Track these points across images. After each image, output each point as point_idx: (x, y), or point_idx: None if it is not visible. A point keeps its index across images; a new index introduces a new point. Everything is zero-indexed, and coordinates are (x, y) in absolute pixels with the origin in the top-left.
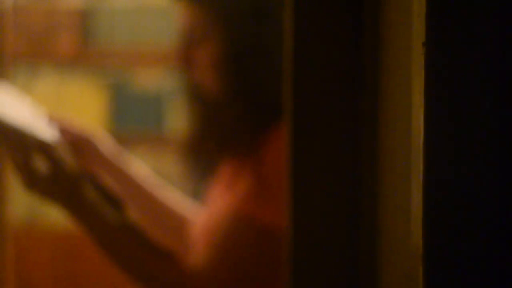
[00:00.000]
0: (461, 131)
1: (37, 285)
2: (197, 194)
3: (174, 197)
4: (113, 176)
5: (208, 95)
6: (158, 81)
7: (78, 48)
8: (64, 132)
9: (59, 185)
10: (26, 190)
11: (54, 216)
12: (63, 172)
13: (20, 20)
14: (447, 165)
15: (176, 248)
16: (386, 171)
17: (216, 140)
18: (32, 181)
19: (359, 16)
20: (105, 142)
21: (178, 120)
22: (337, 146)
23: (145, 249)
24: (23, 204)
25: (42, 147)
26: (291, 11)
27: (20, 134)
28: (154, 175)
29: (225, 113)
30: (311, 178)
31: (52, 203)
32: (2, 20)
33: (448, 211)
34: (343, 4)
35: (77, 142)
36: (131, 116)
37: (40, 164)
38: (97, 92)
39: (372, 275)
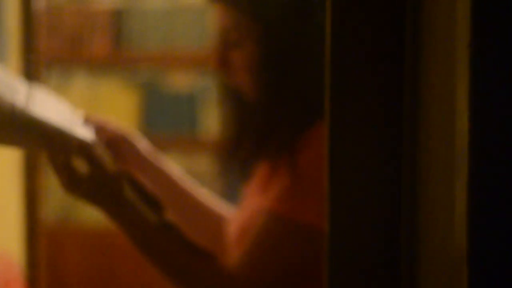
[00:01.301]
0: (506, 133)
1: (69, 283)
2: (231, 195)
3: (210, 197)
4: (151, 175)
5: (245, 96)
6: (192, 82)
7: (111, 50)
8: (101, 132)
9: (99, 186)
10: (66, 192)
11: (86, 215)
12: (102, 173)
13: (53, 21)
14: (492, 167)
15: (214, 248)
16: (427, 172)
17: (253, 141)
18: (72, 183)
19: (400, 18)
20: (141, 141)
21: (211, 121)
22: (377, 147)
23: (184, 249)
24: (56, 203)
25: (82, 147)
26: (331, 13)
27: (60, 135)
28: (188, 176)
29: (262, 114)
30: (351, 178)
31: (92, 205)
32: (35, 21)
33: (493, 212)
34: (384, 6)
35: (114, 142)
36: (164, 118)
37: (80, 166)
38: (130, 93)
39: (413, 277)
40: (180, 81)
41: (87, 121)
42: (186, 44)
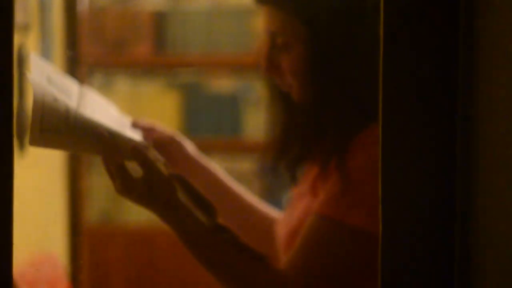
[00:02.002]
0: None
1: (111, 283)
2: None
3: (258, 200)
4: (201, 177)
5: (294, 98)
6: (233, 84)
7: (154, 52)
8: (149, 134)
9: (152, 189)
10: (120, 195)
11: (128, 216)
12: (156, 176)
13: (96, 24)
14: None
15: (264, 250)
16: (483, 173)
17: (302, 144)
18: (126, 186)
19: (454, 20)
20: (189, 143)
21: (253, 124)
22: (431, 150)
23: (236, 252)
24: (99, 205)
25: (136, 151)
26: (384, 15)
27: (114, 138)
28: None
29: (312, 117)
30: (403, 182)
31: (146, 208)
32: (79, 24)
33: None
34: (438, 8)
35: (163, 144)
36: (206, 120)
37: (134, 169)
38: (172, 96)
39: (466, 280)
40: (222, 84)
41: (135, 123)
42: (228, 46)
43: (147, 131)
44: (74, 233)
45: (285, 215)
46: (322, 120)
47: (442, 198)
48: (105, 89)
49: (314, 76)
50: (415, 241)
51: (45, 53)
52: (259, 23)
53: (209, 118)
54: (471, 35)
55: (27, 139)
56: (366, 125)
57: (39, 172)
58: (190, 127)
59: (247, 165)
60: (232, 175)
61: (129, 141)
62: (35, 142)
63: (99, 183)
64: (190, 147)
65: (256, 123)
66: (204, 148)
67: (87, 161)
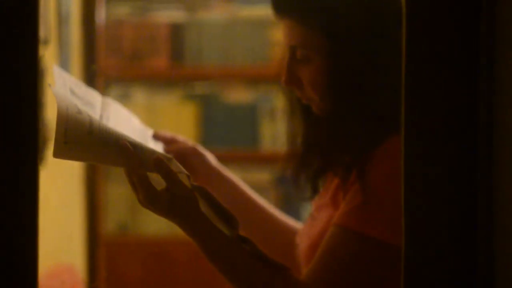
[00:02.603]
0: None
1: None
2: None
3: (279, 211)
4: (222, 188)
5: (315, 110)
6: (250, 96)
7: (170, 64)
8: (171, 145)
9: (175, 201)
10: (143, 206)
11: (145, 227)
12: (179, 188)
13: (113, 35)
14: None
15: (286, 261)
16: (507, 184)
17: (322, 155)
18: (149, 198)
19: (475, 33)
20: (209, 155)
21: (270, 136)
22: (453, 162)
23: (259, 263)
24: (116, 216)
25: (158, 162)
26: (406, 28)
27: (137, 149)
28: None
29: (332, 129)
30: (426, 193)
31: (168, 219)
32: (97, 35)
33: None
34: (459, 21)
35: (185, 156)
36: (223, 132)
37: (156, 180)
38: (189, 108)
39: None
40: (239, 95)
41: (156, 135)
42: (245, 58)
43: (169, 143)
44: (92, 244)
45: (307, 226)
46: (342, 132)
47: (465, 209)
48: (123, 101)
49: (334, 89)
50: (438, 253)
51: (63, 66)
52: (276, 35)
53: (226, 129)
54: (492, 44)
55: (46, 151)
56: (386, 137)
57: (57, 184)
58: (207, 138)
59: (263, 175)
60: (248, 186)
61: (151, 152)
62: (59, 154)
63: (117, 194)
64: (211, 158)
65: (273, 134)
66: (221, 159)
67: (104, 172)
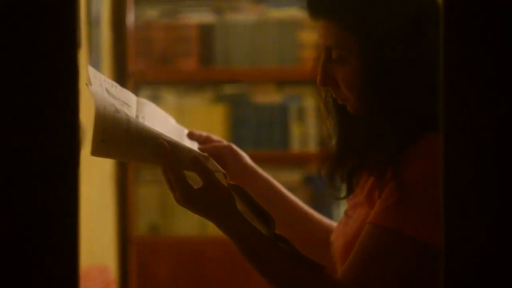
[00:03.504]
0: None
1: None
2: (325, 208)
3: (312, 210)
4: (257, 187)
5: (349, 110)
6: (280, 97)
7: (200, 66)
8: (206, 144)
9: (212, 200)
10: (180, 205)
11: (176, 227)
12: (216, 186)
13: (142, 39)
14: None
15: (322, 260)
16: None
17: (357, 154)
18: (186, 197)
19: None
20: (244, 153)
21: (300, 136)
22: (493, 160)
23: (295, 262)
24: (147, 216)
25: (195, 161)
26: (444, 29)
27: (174, 148)
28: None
29: (367, 128)
30: (466, 190)
31: (205, 218)
32: (126, 38)
33: None
34: (497, 20)
35: (221, 154)
36: (253, 133)
37: (193, 178)
38: (219, 109)
39: None
40: (268, 96)
41: (191, 134)
42: (274, 59)
43: (204, 142)
44: (123, 245)
45: (341, 224)
46: (378, 132)
47: (508, 208)
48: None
49: (370, 89)
50: (480, 254)
51: (94, 67)
52: (305, 36)
53: (255, 130)
54: None
55: (80, 150)
56: (422, 135)
57: (89, 185)
58: (237, 139)
59: (293, 176)
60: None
61: (189, 151)
62: (97, 152)
63: (148, 195)
64: (246, 157)
65: (302, 134)
66: (251, 159)
67: (135, 174)
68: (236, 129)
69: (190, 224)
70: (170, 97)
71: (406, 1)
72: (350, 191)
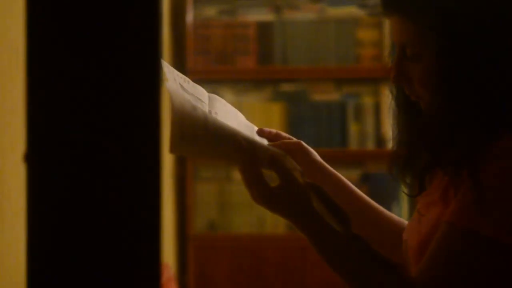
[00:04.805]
0: None
1: None
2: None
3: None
4: (329, 184)
5: (423, 108)
6: (338, 96)
7: (258, 64)
8: (276, 141)
9: (289, 198)
10: (257, 203)
11: (233, 225)
12: (293, 185)
13: (200, 36)
14: None
15: (394, 257)
16: None
17: (431, 152)
18: (263, 196)
19: None
20: (314, 151)
21: (358, 134)
22: None
23: (372, 261)
24: (205, 214)
25: (273, 159)
26: None
27: (252, 146)
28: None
29: (442, 126)
30: None
31: (282, 216)
32: (184, 37)
33: None
34: None
35: (291, 151)
36: (312, 132)
37: (269, 176)
38: (277, 107)
39: None
40: (327, 94)
41: (261, 131)
42: (333, 57)
43: (273, 139)
44: (182, 243)
45: (414, 223)
46: (453, 130)
47: None
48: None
49: (446, 87)
50: None
51: None
52: (363, 34)
53: (314, 128)
54: None
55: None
56: (502, 134)
57: None
58: (295, 137)
59: (351, 174)
60: None
61: (266, 149)
62: (175, 150)
63: (206, 193)
64: (315, 154)
65: (360, 132)
66: None
67: (193, 171)
68: (294, 127)
69: (248, 222)
70: (228, 95)
71: None
72: (422, 188)
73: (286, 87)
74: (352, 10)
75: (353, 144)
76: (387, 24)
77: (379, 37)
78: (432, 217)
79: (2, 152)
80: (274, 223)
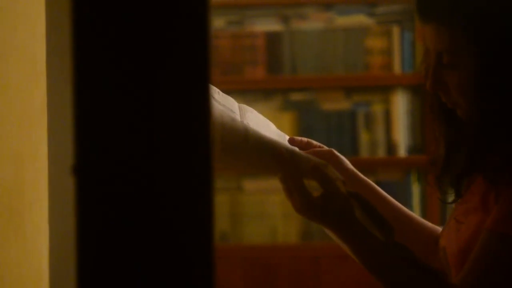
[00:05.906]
0: None
1: None
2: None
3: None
4: (362, 191)
5: (460, 115)
6: (348, 105)
7: (267, 73)
8: (307, 150)
9: (331, 207)
10: (299, 213)
11: (246, 237)
12: (335, 194)
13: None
14: None
15: (436, 266)
16: None
17: (468, 159)
18: (306, 205)
19: None
20: (345, 158)
21: (369, 143)
22: None
23: (415, 270)
24: (217, 225)
25: (315, 169)
26: None
27: (293, 156)
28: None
29: (480, 134)
30: None
31: (323, 226)
32: None
33: None
34: None
35: (323, 159)
36: (322, 141)
37: (310, 186)
38: (287, 117)
39: None
40: (337, 103)
41: (292, 140)
42: (342, 66)
43: (304, 147)
44: None
45: (452, 230)
46: (491, 137)
47: None
48: None
49: (484, 94)
50: None
51: None
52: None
53: (324, 137)
54: None
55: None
56: None
57: None
58: None
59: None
60: None
61: (307, 159)
62: (216, 162)
63: (217, 202)
64: (347, 162)
65: (371, 141)
66: None
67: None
68: (304, 136)
69: (260, 232)
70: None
71: None
72: (458, 195)
73: (296, 97)
74: (360, 19)
75: (364, 153)
76: (395, 32)
77: (388, 45)
78: (472, 224)
79: (22, 163)
80: (286, 233)
